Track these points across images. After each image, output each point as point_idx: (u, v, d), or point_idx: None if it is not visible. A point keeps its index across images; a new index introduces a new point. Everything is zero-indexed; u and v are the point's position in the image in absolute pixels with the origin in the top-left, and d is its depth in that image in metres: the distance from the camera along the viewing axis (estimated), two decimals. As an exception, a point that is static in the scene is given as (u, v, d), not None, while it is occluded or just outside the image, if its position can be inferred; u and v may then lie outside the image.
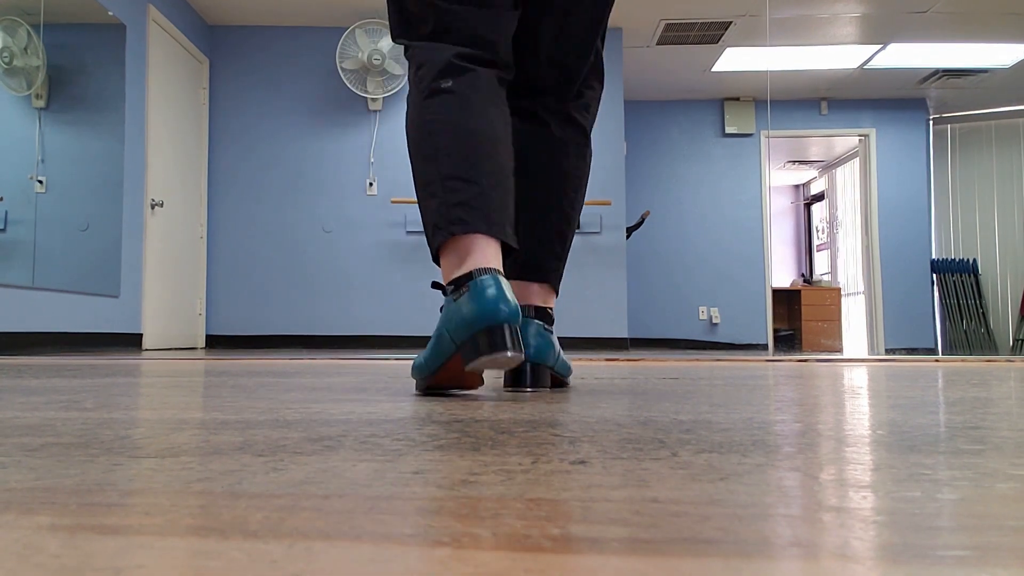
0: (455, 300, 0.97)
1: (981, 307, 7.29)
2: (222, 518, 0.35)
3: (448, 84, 1.05)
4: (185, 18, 5.36)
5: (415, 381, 1.11)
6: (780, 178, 9.78)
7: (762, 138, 7.19)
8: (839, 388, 1.27)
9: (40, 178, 3.62)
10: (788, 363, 2.52)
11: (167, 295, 5.00)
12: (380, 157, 5.69)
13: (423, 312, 5.56)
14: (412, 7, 1.11)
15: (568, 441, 0.62)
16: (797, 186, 10.24)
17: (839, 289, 8.30)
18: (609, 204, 5.69)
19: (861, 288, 7.72)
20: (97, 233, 4.13)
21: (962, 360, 3.01)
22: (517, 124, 1.25)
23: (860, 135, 7.30)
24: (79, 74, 4.02)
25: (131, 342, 4.51)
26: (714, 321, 7.10)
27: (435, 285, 1.02)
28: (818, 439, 0.63)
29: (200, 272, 5.56)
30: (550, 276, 1.22)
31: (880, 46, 6.02)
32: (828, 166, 9.18)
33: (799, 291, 8.19)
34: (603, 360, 2.69)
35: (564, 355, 1.27)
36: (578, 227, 1.32)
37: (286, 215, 5.70)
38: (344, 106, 5.71)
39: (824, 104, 7.25)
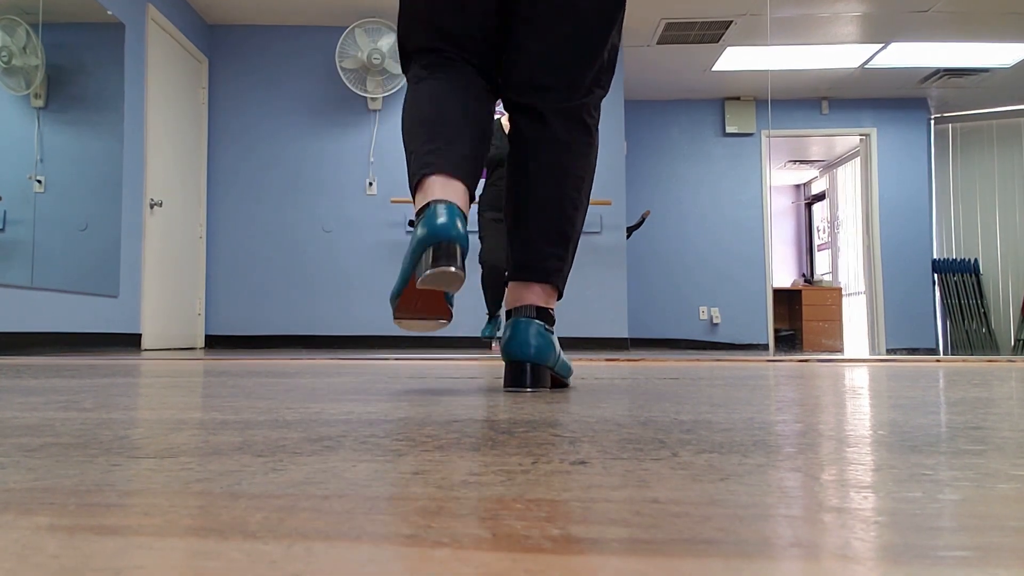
0: (415, 228, 1.08)
1: (982, 307, 7.29)
2: (221, 518, 0.35)
3: (424, 74, 1.21)
4: (184, 17, 5.36)
5: (392, 312, 1.26)
6: (781, 178, 9.78)
7: (763, 138, 7.19)
8: (840, 388, 1.27)
9: (39, 178, 3.62)
10: (789, 363, 2.52)
11: (166, 295, 5.00)
12: (380, 157, 5.69)
13: (423, 312, 5.56)
14: (403, 31, 1.26)
15: (568, 441, 0.62)
16: (798, 186, 10.24)
17: (840, 289, 8.30)
18: (609, 204, 5.69)
19: (862, 288, 7.72)
20: (96, 233, 4.13)
21: (963, 360, 3.01)
22: (523, 123, 1.25)
23: (861, 135, 7.29)
24: (78, 73, 4.02)
25: (130, 342, 4.51)
26: (714, 321, 7.10)
27: (410, 223, 1.13)
28: (819, 439, 0.63)
29: (199, 272, 5.56)
30: (551, 276, 1.21)
31: (881, 45, 6.02)
32: (829, 166, 9.17)
33: (800, 291, 8.19)
34: (603, 360, 2.69)
35: (564, 355, 1.27)
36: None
37: (286, 215, 5.70)
38: (344, 106, 5.71)
39: (825, 103, 7.24)
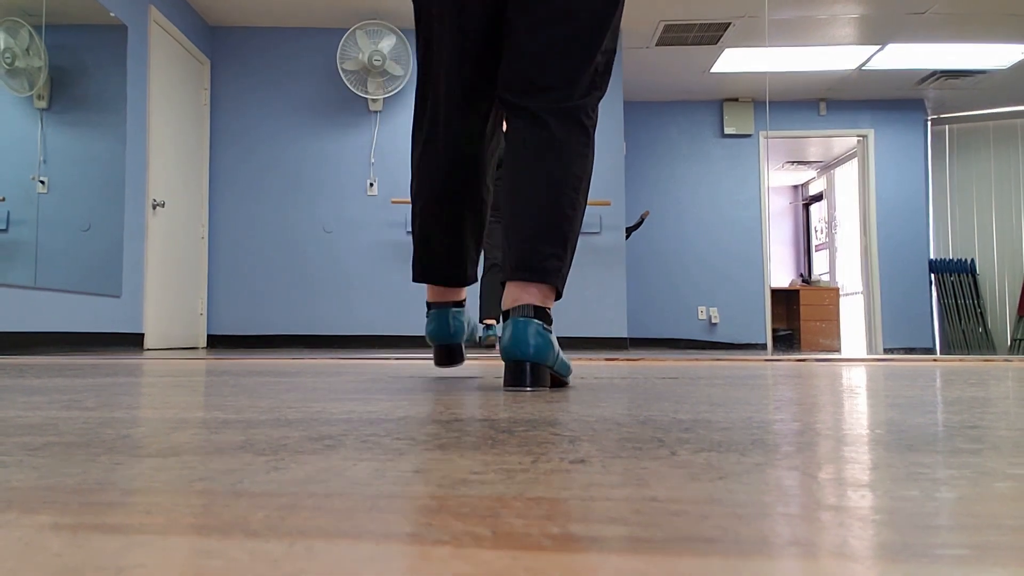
0: (427, 321, 1.50)
1: (979, 307, 7.29)
2: (223, 517, 0.36)
3: (416, 154, 1.41)
4: (186, 19, 5.36)
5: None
6: (779, 178, 9.78)
7: (761, 139, 7.20)
8: (837, 388, 1.27)
9: (42, 178, 3.62)
10: (787, 363, 2.52)
11: (168, 295, 5.00)
12: (380, 157, 5.69)
13: (423, 312, 5.56)
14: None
15: (568, 440, 0.62)
16: (796, 186, 10.24)
17: (838, 289, 8.30)
18: (609, 204, 5.69)
19: (859, 288, 7.72)
20: (99, 233, 4.13)
21: (960, 360, 3.01)
22: (519, 123, 1.25)
23: (858, 136, 7.30)
24: (81, 75, 4.02)
25: (132, 342, 4.51)
26: (713, 321, 7.10)
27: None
28: (817, 438, 0.63)
29: (201, 272, 5.56)
30: (550, 277, 1.21)
31: (878, 47, 6.02)
32: (827, 166, 9.18)
33: (798, 291, 8.19)
34: (603, 360, 2.69)
35: (564, 355, 1.27)
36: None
37: (287, 215, 5.70)
38: (345, 107, 5.71)
39: (823, 105, 7.25)
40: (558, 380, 1.24)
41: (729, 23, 5.65)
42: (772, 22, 5.57)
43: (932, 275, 7.23)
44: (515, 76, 1.25)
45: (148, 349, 4.65)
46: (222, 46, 5.78)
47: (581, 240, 5.69)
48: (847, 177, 8.71)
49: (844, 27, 5.72)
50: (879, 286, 7.16)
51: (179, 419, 0.76)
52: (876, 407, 0.92)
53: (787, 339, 8.19)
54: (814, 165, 9.22)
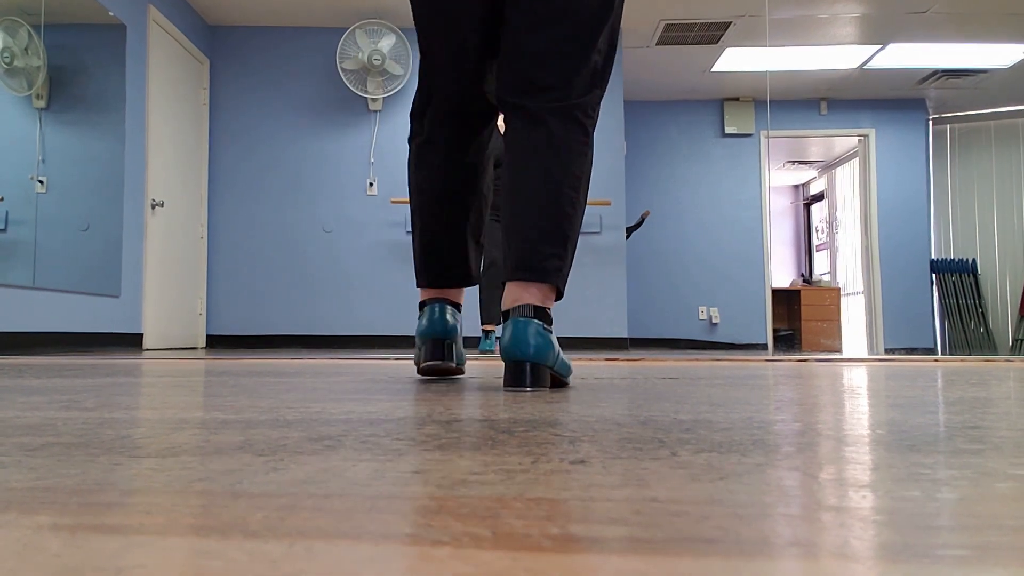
0: (419, 318, 1.40)
1: (980, 307, 7.29)
2: (222, 518, 0.36)
3: (413, 146, 1.42)
4: (185, 18, 5.36)
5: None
6: (780, 178, 9.78)
7: (762, 138, 7.20)
8: (838, 388, 1.27)
9: (41, 178, 3.62)
10: (787, 363, 2.52)
11: (168, 295, 5.00)
12: (380, 157, 5.69)
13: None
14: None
15: (568, 441, 0.62)
16: (797, 186, 10.24)
17: (839, 289, 8.30)
18: (609, 204, 5.69)
19: (860, 288, 7.72)
20: (98, 233, 4.13)
21: (961, 360, 3.01)
22: (518, 122, 1.26)
23: (859, 135, 7.30)
24: (80, 74, 4.02)
25: (132, 342, 4.51)
26: (714, 321, 7.10)
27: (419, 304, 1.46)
28: (817, 439, 0.63)
29: (200, 272, 5.57)
30: (550, 276, 1.21)
31: (879, 46, 6.02)
32: (828, 166, 9.18)
33: (799, 291, 8.19)
34: (603, 360, 2.69)
35: (564, 355, 1.27)
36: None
37: (286, 215, 5.70)
38: (344, 106, 5.71)
39: (823, 104, 7.25)
40: (558, 380, 1.24)
41: (730, 22, 5.65)
42: (773, 21, 5.57)
43: (933, 275, 7.23)
44: (514, 76, 1.25)
45: (147, 349, 4.66)
46: (221, 45, 5.78)
47: (581, 240, 5.69)
48: (848, 177, 8.71)
49: (845, 26, 5.72)
50: (880, 286, 7.16)
51: (178, 419, 0.76)
52: (877, 407, 0.92)
53: (788, 339, 8.19)
54: (815, 165, 9.22)
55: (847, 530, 0.34)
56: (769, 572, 0.28)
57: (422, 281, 1.41)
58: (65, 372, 1.70)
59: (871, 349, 7.20)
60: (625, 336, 5.70)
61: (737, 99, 7.22)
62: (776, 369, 2.03)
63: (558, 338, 5.62)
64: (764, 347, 6.89)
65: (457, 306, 1.40)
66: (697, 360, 2.69)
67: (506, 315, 1.22)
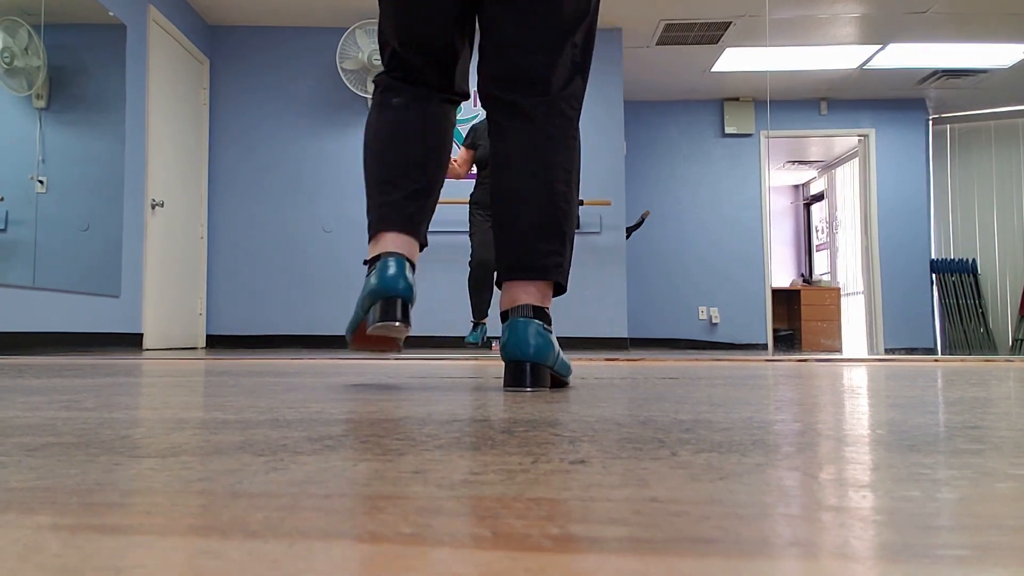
0: (367, 275, 1.19)
1: (980, 307, 7.29)
2: (222, 518, 0.36)
3: (389, 98, 1.29)
4: (185, 18, 5.36)
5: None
6: (780, 178, 9.78)
7: (762, 138, 7.20)
8: (838, 388, 1.27)
9: (41, 178, 3.62)
10: (787, 363, 2.52)
11: (167, 295, 5.00)
12: (380, 157, 5.68)
13: (422, 312, 5.57)
14: (379, 34, 1.34)
15: (568, 441, 0.62)
16: (797, 186, 10.24)
17: (839, 289, 8.30)
18: (609, 204, 5.69)
19: (860, 288, 7.72)
20: (98, 233, 4.13)
21: (961, 360, 3.01)
22: (503, 118, 1.25)
23: (859, 135, 7.30)
24: (80, 74, 4.02)
25: (131, 342, 4.51)
26: (714, 321, 7.10)
27: (365, 262, 1.24)
28: (817, 439, 0.63)
29: (200, 272, 5.56)
30: (550, 272, 1.20)
31: (879, 46, 6.02)
32: (828, 166, 9.18)
33: (799, 291, 8.19)
34: (603, 360, 2.69)
35: (564, 355, 1.27)
36: (578, 226, 1.33)
37: (286, 215, 5.70)
38: (344, 106, 5.71)
39: (823, 104, 7.25)
40: (558, 380, 1.24)
41: (730, 22, 5.65)
42: (773, 21, 5.57)
43: (933, 275, 7.23)
44: (500, 70, 1.25)
45: (147, 349, 4.66)
46: (221, 45, 5.78)
47: (581, 240, 5.69)
48: (848, 177, 8.71)
49: (845, 26, 5.72)
50: (880, 286, 7.16)
51: (178, 419, 0.76)
52: (877, 407, 0.92)
53: (788, 339, 8.20)
54: (815, 165, 9.22)
55: (847, 530, 0.34)
56: (769, 572, 0.28)
57: (385, 225, 1.21)
58: (65, 372, 1.70)
59: (871, 349, 7.20)
60: (625, 336, 5.70)
61: (737, 99, 7.22)
62: (776, 369, 2.03)
63: (558, 338, 5.63)
64: (764, 347, 6.89)
65: (413, 267, 1.21)
66: (697, 360, 2.69)
67: (505, 316, 1.21)
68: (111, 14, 4.31)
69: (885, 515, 0.36)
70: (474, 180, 4.27)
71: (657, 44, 6.02)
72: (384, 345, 1.25)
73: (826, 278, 9.26)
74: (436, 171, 1.28)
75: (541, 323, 1.18)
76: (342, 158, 5.71)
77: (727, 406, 0.92)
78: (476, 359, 2.73)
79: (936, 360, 2.95)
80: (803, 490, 0.42)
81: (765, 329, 7.03)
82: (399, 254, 1.18)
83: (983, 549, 0.31)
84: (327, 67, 5.66)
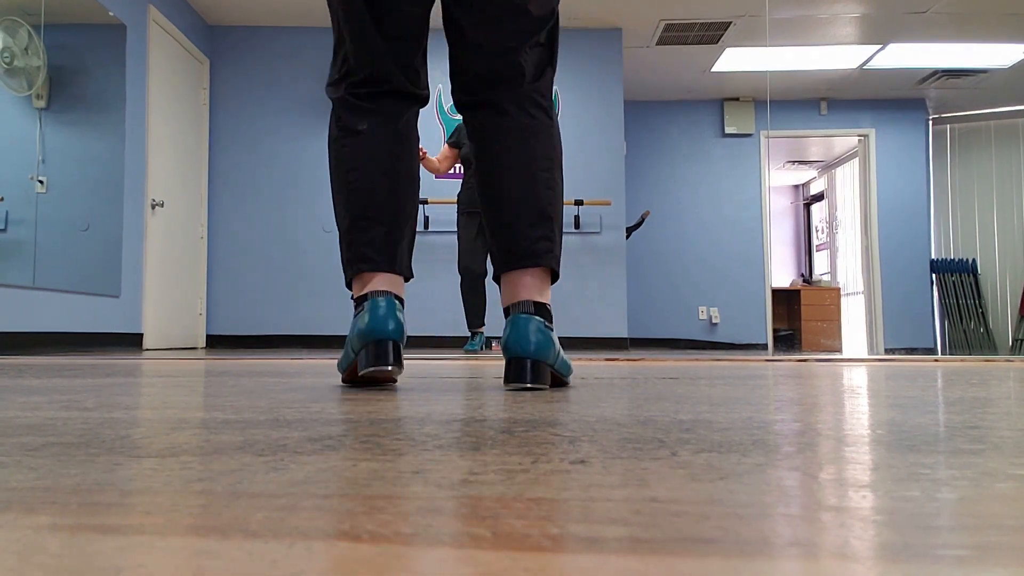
0: (356, 315, 1.17)
1: (980, 307, 7.29)
2: (222, 517, 0.36)
3: (351, 123, 1.23)
4: (185, 18, 5.36)
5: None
6: (780, 178, 9.78)
7: (762, 138, 7.20)
8: (838, 388, 1.27)
9: (41, 178, 3.62)
10: (787, 363, 2.52)
11: (167, 295, 5.00)
12: (380, 157, 5.68)
13: (422, 312, 5.57)
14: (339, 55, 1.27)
15: (568, 441, 0.62)
16: (797, 186, 10.24)
17: (839, 289, 8.30)
18: (609, 204, 5.69)
19: (861, 288, 7.72)
20: (98, 233, 4.13)
21: (961, 360, 3.01)
22: (480, 118, 1.27)
23: (859, 135, 7.30)
24: (80, 74, 4.02)
25: (132, 342, 4.51)
26: (714, 321, 7.10)
27: (353, 299, 1.22)
28: (817, 439, 0.63)
29: (200, 272, 5.56)
30: (543, 259, 1.21)
31: (880, 46, 6.02)
32: (828, 166, 9.18)
33: (799, 291, 8.19)
34: (603, 360, 2.69)
35: (564, 354, 1.27)
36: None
37: (286, 215, 5.70)
38: (344, 106, 5.70)
39: (824, 104, 7.25)
40: (559, 379, 1.24)
41: (730, 22, 5.65)
42: (773, 21, 5.57)
43: (933, 275, 7.23)
44: (471, 71, 1.26)
45: (147, 349, 4.66)
46: (221, 45, 5.78)
47: (581, 240, 5.69)
48: (848, 177, 8.71)
49: (845, 26, 5.72)
50: (880, 286, 7.16)
51: (178, 419, 0.76)
52: (877, 407, 0.92)
53: (788, 339, 8.20)
54: (815, 165, 9.22)
55: (847, 530, 0.34)
56: (769, 572, 0.28)
57: (364, 266, 1.18)
58: (65, 372, 1.70)
59: (871, 349, 7.20)
60: (625, 336, 5.69)
61: (737, 99, 7.22)
62: (776, 369, 2.03)
63: (559, 338, 5.62)
64: (764, 347, 6.89)
65: (402, 302, 1.20)
66: (697, 360, 2.69)
67: (506, 312, 1.22)
68: (111, 14, 4.31)
69: (885, 515, 0.36)
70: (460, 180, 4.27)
71: (657, 44, 6.02)
72: (377, 383, 1.25)
73: (826, 278, 9.27)
74: (411, 197, 1.25)
75: (543, 320, 1.18)
76: (342, 158, 5.70)
77: (727, 406, 0.92)
78: (476, 359, 2.73)
79: (936, 360, 2.95)
80: (803, 490, 0.42)
81: (765, 329, 7.03)
82: (388, 293, 1.17)
83: (983, 549, 0.31)
84: (327, 67, 5.65)
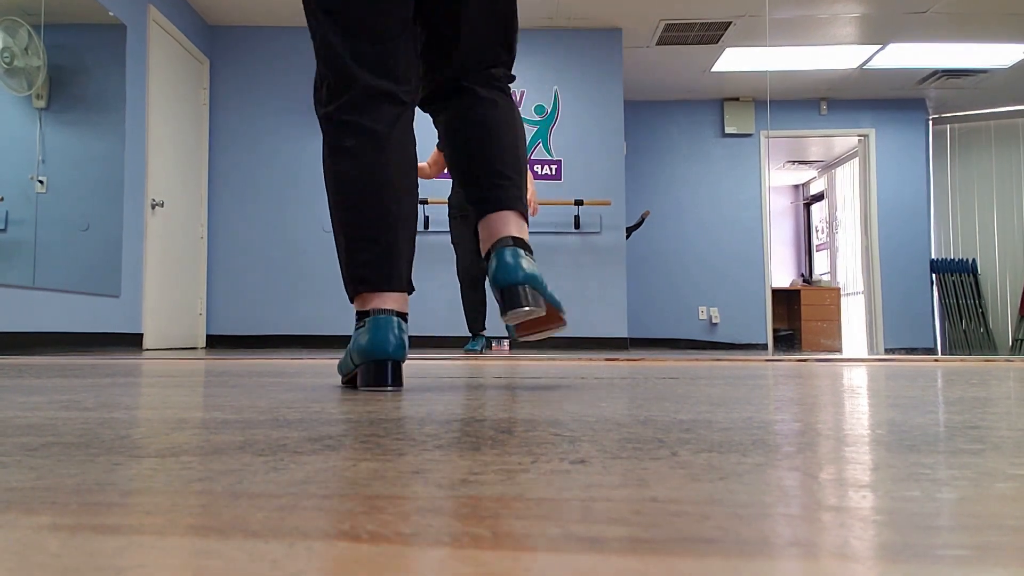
0: (358, 329, 1.19)
1: (980, 307, 7.29)
2: (223, 517, 0.36)
3: (345, 143, 1.21)
4: (185, 18, 5.36)
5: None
6: (780, 178, 9.78)
7: (762, 138, 7.20)
8: (838, 388, 1.27)
9: (41, 178, 3.62)
10: (787, 363, 2.52)
11: (167, 295, 5.00)
12: (380, 157, 5.68)
13: (421, 312, 5.57)
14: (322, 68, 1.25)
15: (568, 440, 0.62)
16: (797, 186, 10.24)
17: (839, 289, 8.30)
18: (609, 204, 5.69)
19: (860, 288, 7.72)
20: (98, 233, 4.13)
21: (961, 360, 3.01)
22: (450, 98, 1.33)
23: (859, 135, 7.30)
24: (80, 74, 4.02)
25: (132, 342, 4.51)
26: (714, 321, 7.10)
27: (356, 314, 1.23)
28: (817, 438, 0.63)
29: (200, 272, 5.56)
30: (517, 204, 1.27)
31: (879, 46, 6.02)
32: (828, 166, 9.18)
33: (799, 291, 8.19)
34: (603, 360, 2.69)
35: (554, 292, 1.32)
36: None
37: (286, 215, 5.70)
38: (344, 106, 5.70)
39: (824, 104, 7.25)
40: (555, 313, 1.25)
41: (730, 22, 5.65)
42: (773, 21, 5.57)
43: (933, 275, 7.23)
44: (454, 61, 1.32)
45: (147, 349, 4.66)
46: (221, 45, 5.78)
47: (581, 240, 5.70)
48: (848, 177, 8.71)
49: (845, 26, 5.72)
50: (880, 286, 7.16)
51: (178, 419, 0.76)
52: (877, 407, 0.92)
53: (788, 339, 8.20)
54: (815, 165, 9.22)
55: (847, 530, 0.34)
56: (769, 572, 0.28)
57: (363, 287, 1.19)
58: (65, 372, 1.70)
59: (871, 349, 7.20)
60: (625, 336, 5.69)
61: (737, 99, 7.22)
62: (776, 369, 2.02)
63: (558, 338, 5.62)
64: (764, 347, 6.89)
65: (405, 317, 1.21)
66: (697, 360, 2.69)
67: (488, 255, 1.24)
68: (111, 14, 4.31)
69: (885, 515, 0.36)
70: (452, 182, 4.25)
71: (657, 44, 6.02)
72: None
73: (826, 278, 9.27)
74: (406, 211, 1.23)
75: (526, 252, 1.22)
76: (342, 158, 5.70)
77: (727, 406, 0.92)
78: (476, 359, 2.73)
79: (936, 360, 2.95)
80: (803, 490, 0.42)
81: (765, 329, 7.03)
82: (391, 311, 1.17)
83: (983, 549, 0.31)
84: (327, 67, 5.66)
